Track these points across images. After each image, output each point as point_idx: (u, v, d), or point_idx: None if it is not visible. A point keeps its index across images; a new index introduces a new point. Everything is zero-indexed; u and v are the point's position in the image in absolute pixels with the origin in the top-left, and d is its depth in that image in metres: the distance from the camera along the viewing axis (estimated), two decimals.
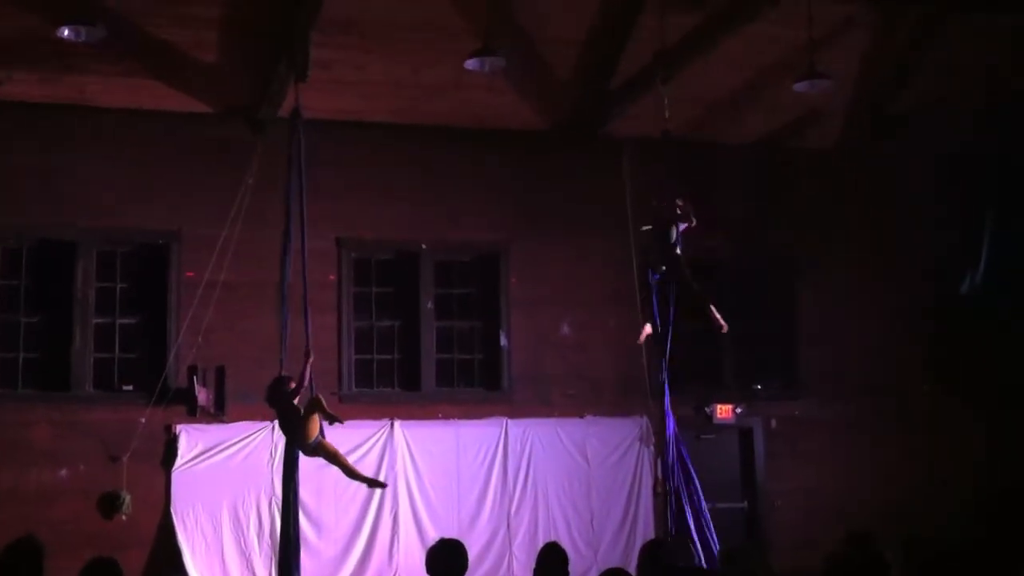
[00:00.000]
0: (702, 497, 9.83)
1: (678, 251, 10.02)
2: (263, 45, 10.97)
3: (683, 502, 9.72)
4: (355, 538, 11.71)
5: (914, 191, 13.74)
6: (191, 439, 11.47)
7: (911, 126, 13.09)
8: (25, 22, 10.45)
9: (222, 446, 11.50)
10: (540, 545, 6.90)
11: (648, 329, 10.15)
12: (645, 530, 12.39)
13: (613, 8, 11.50)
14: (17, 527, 6.88)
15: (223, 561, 11.32)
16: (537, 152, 12.87)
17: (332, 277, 12.12)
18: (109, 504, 11.11)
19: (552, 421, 12.57)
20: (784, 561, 11.29)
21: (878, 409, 13.49)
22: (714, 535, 9.64)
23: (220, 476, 11.41)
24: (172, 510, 11.29)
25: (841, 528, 8.76)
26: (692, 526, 9.62)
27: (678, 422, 10.27)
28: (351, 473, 9.42)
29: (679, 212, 9.99)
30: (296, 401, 9.08)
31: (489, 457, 12.28)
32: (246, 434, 11.54)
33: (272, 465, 11.35)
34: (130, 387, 11.63)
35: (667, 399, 10.16)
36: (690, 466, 9.91)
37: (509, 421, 12.41)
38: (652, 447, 12.63)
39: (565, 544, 7.13)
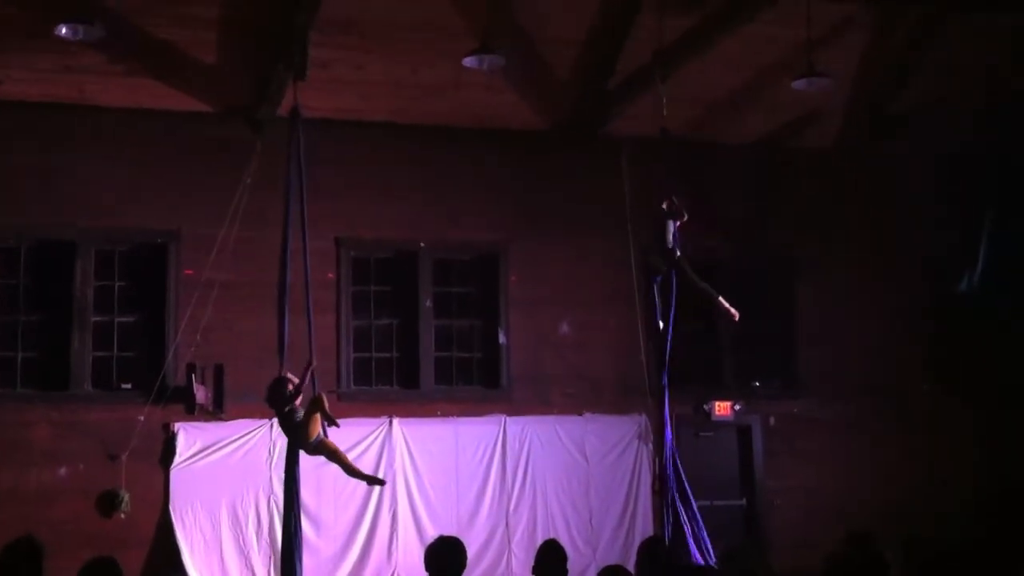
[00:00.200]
0: (698, 515, 9.74)
1: (677, 252, 9.99)
2: (262, 45, 10.97)
3: (680, 518, 9.66)
4: (354, 536, 11.70)
5: (914, 191, 13.74)
6: (189, 437, 11.46)
7: (911, 126, 13.09)
8: (24, 21, 10.44)
9: (220, 444, 11.49)
10: (539, 542, 6.90)
11: (662, 324, 10.09)
12: (644, 527, 12.36)
13: (612, 8, 11.50)
14: (17, 527, 6.89)
15: (222, 559, 11.31)
16: (536, 152, 12.86)
17: (331, 275, 12.12)
18: (108, 503, 11.12)
19: (551, 419, 12.56)
20: (784, 561, 11.30)
21: (878, 409, 13.49)
22: (711, 551, 9.56)
23: (219, 474, 11.41)
24: (171, 508, 11.28)
25: (841, 528, 8.78)
26: (691, 543, 9.55)
27: (677, 421, 10.20)
28: (351, 471, 9.43)
29: (665, 209, 9.97)
30: (298, 402, 9.10)
31: (488, 455, 12.28)
32: (244, 432, 11.53)
33: (271, 463, 11.37)
34: (129, 386, 11.62)
35: (667, 406, 10.08)
36: (686, 485, 9.82)
37: (508, 419, 12.41)
38: (651, 445, 12.63)
39: (564, 541, 7.13)
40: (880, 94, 13.18)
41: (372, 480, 9.88)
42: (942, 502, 12.82)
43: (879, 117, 13.35)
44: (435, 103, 12.23)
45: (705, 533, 9.61)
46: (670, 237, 9.96)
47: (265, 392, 9.26)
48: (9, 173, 11.40)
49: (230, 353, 11.59)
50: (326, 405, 9.05)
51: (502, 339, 12.75)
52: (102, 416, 11.35)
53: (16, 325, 11.56)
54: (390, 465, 11.84)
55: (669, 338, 9.97)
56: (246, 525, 11.41)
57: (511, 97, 12.28)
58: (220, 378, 11.62)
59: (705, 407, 13.14)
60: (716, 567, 8.05)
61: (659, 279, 10.04)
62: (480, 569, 11.79)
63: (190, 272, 11.63)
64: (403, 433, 12.03)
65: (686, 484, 9.82)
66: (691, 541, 9.46)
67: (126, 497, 11.15)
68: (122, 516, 11.14)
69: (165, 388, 11.29)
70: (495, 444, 12.30)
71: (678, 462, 9.94)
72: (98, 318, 11.69)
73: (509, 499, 12.24)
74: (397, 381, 12.53)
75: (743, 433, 13.48)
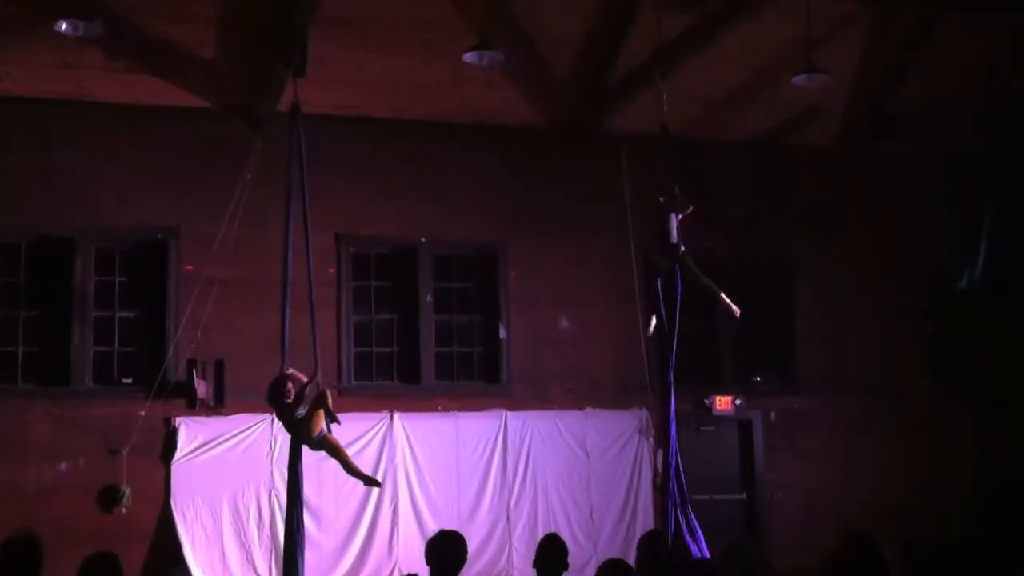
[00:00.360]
0: (693, 519, 9.73)
1: (681, 247, 9.93)
2: (262, 42, 10.97)
3: (679, 521, 9.65)
4: (355, 530, 11.70)
5: (914, 191, 13.74)
6: (190, 432, 11.45)
7: (911, 126, 13.09)
8: (23, 17, 10.44)
9: (221, 438, 11.48)
10: (539, 537, 6.91)
11: (655, 321, 10.07)
12: (644, 522, 12.37)
13: (612, 6, 11.51)
14: (17, 523, 6.84)
15: (223, 553, 11.30)
16: (536, 150, 12.86)
17: (331, 271, 12.12)
18: (109, 498, 11.13)
19: (551, 414, 12.56)
20: (784, 560, 11.31)
21: (878, 409, 13.48)
22: (706, 549, 9.54)
23: (220, 469, 11.39)
24: (172, 503, 11.26)
25: (841, 527, 8.76)
26: (689, 542, 9.55)
27: (677, 417, 10.17)
28: (350, 469, 9.46)
29: (665, 203, 9.92)
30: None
31: (488, 449, 12.28)
32: (245, 426, 11.52)
33: (272, 458, 11.37)
34: (129, 380, 11.61)
35: (672, 404, 10.02)
36: (685, 486, 9.81)
37: (508, 413, 12.41)
38: (652, 439, 12.64)
39: (564, 536, 7.11)
40: (879, 93, 13.18)
41: (369, 481, 9.86)
42: (942, 502, 12.82)
43: (879, 116, 13.36)
44: (435, 100, 12.24)
45: (699, 528, 9.60)
46: (673, 232, 9.91)
47: (266, 391, 9.30)
48: (9, 169, 11.39)
49: (230, 349, 11.59)
50: (330, 402, 9.07)
51: (503, 334, 12.76)
52: (103, 411, 11.34)
53: (16, 321, 11.54)
54: (391, 460, 11.85)
55: (675, 335, 9.92)
56: (247, 520, 11.40)
57: (511, 94, 12.29)
58: (220, 374, 11.62)
59: (706, 402, 13.16)
60: (713, 561, 8.04)
61: (662, 277, 10.02)
62: (481, 563, 11.80)
63: (190, 268, 11.64)
64: (404, 428, 12.03)
65: (684, 483, 9.82)
66: (686, 534, 9.46)
67: (127, 492, 11.16)
68: (123, 511, 11.14)
69: (166, 383, 11.28)
70: (496, 439, 12.31)
71: (680, 465, 9.93)
72: (99, 313, 11.68)
73: (510, 493, 12.24)
74: (398, 376, 12.54)
75: (744, 428, 13.50)
